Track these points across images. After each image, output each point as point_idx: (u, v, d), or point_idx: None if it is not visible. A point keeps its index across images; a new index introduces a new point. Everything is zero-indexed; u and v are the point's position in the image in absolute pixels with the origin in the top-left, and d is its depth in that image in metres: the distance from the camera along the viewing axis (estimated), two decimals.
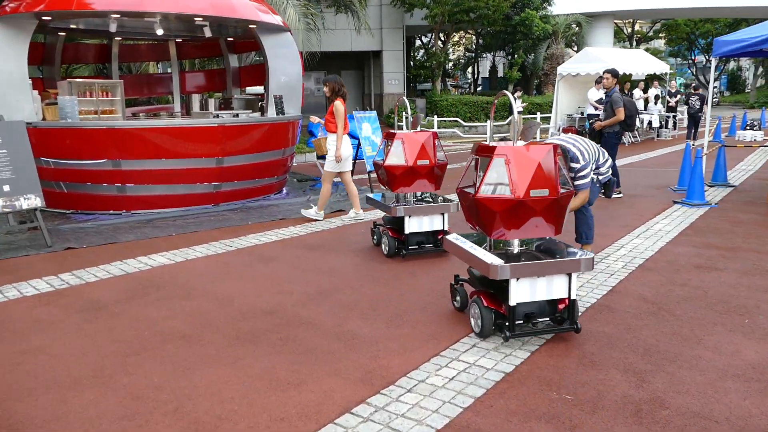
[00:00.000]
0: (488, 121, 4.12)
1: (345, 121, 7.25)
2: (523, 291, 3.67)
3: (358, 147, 9.49)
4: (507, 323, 3.70)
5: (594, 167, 5.11)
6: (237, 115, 9.23)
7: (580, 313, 4.16)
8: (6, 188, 6.40)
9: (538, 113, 20.26)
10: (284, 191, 9.94)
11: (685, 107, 18.73)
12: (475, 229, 4.00)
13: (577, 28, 28.86)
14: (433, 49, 26.48)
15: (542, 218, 3.63)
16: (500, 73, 38.24)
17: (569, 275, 3.70)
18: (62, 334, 4.14)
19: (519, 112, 17.44)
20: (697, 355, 3.46)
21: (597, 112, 14.69)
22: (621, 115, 8.11)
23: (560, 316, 3.82)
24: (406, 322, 4.12)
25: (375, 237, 6.30)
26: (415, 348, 3.68)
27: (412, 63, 27.69)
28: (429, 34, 34.86)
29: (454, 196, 5.99)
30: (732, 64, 49.11)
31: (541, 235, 3.77)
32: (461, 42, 39.69)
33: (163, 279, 5.33)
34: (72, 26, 9.80)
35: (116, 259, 5.99)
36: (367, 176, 9.91)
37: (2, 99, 7.76)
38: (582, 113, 19.24)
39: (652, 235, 6.40)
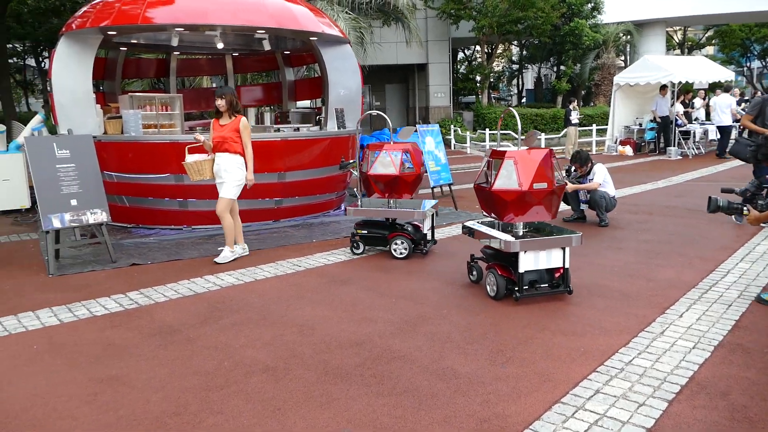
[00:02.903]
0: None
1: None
2: (529, 261, 4.68)
3: None
4: (516, 288, 4.73)
5: None
6: (298, 129, 9.01)
7: (708, 354, 3.72)
8: (73, 202, 6.27)
9: (594, 125, 19.61)
10: (342, 207, 9.65)
11: None
12: (490, 216, 5.04)
13: (628, 37, 28.04)
14: (479, 61, 26.05)
15: (542, 206, 4.69)
16: (545, 85, 37.56)
17: (563, 249, 4.73)
18: (137, 361, 3.89)
19: (575, 124, 16.94)
20: None
21: (727, 124, 15.39)
22: None
23: (557, 282, 4.85)
24: (510, 359, 3.73)
25: (358, 243, 6.60)
26: (529, 392, 3.28)
27: (456, 76, 27.26)
28: (472, 47, 34.44)
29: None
30: None
31: (540, 220, 4.83)
32: (504, 54, 39.10)
33: (234, 301, 5.06)
34: (133, 41, 9.76)
35: (183, 278, 5.78)
36: (431, 191, 9.56)
37: (67, 114, 7.72)
38: (640, 125, 18.49)
39: (758, 259, 5.84)
